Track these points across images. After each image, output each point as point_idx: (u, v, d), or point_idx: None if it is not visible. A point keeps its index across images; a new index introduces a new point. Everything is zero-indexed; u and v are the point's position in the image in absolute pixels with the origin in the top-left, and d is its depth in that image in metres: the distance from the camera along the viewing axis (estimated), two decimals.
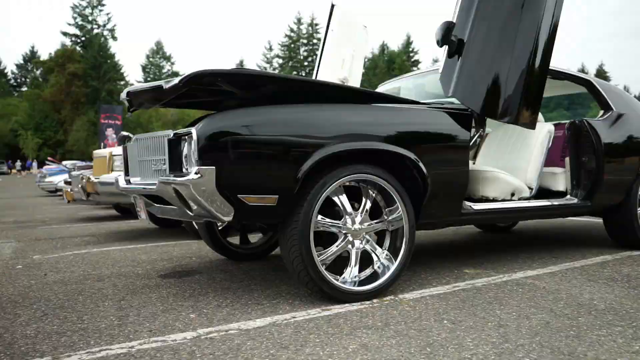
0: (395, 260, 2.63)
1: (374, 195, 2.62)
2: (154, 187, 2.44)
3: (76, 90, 49.29)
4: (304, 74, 72.09)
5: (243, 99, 2.81)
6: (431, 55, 76.25)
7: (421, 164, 2.63)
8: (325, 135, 2.38)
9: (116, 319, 2.33)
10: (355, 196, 2.61)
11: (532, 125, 2.95)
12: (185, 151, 2.33)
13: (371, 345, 1.89)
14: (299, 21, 69.12)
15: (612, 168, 3.46)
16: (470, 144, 2.85)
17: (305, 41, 70.89)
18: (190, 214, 2.31)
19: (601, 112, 3.73)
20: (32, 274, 3.46)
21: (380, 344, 1.90)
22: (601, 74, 67.96)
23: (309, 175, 2.35)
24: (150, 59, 64.62)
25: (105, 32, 55.91)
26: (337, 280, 2.48)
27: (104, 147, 13.62)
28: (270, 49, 68.83)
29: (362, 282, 2.57)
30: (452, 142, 2.78)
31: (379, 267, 2.63)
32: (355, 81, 4.53)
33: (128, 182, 2.83)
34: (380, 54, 74.03)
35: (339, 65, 4.32)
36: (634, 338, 1.92)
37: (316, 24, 69.82)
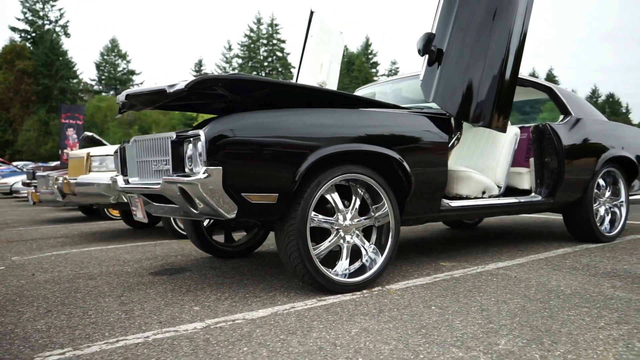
0: (382, 254, 2.83)
1: (362, 193, 2.81)
2: (157, 186, 2.55)
3: (26, 88, 47.36)
4: (264, 74, 71.86)
5: (232, 102, 2.96)
6: (390, 57, 77.39)
7: (405, 164, 2.84)
8: (321, 137, 2.55)
9: (122, 313, 2.43)
10: (343, 195, 2.80)
11: (503, 128, 3.22)
12: (189, 152, 2.45)
13: (371, 329, 2.08)
14: (258, 21, 68.73)
15: (572, 168, 3.78)
16: (449, 145, 3.09)
17: (265, 41, 70.51)
18: (195, 212, 2.44)
19: (561, 116, 4.06)
20: (18, 274, 3.47)
21: (379, 328, 2.10)
22: (551, 78, 70.90)
23: (306, 174, 2.52)
24: (105, 57, 62.89)
25: (58, 29, 54.00)
26: (331, 272, 2.66)
27: (66, 148, 13.30)
28: (230, 48, 68.06)
29: (352, 275, 2.76)
30: (433, 144, 3.01)
31: (367, 261, 2.83)
32: (332, 84, 4.72)
33: (127, 182, 2.91)
34: None
35: (318, 70, 4.50)
36: (599, 317, 2.19)
37: (276, 25, 69.62)
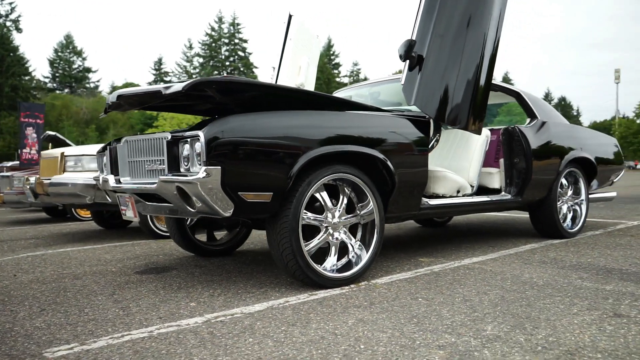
0: (368, 250, 2.97)
1: (348, 192, 2.94)
2: (152, 185, 2.60)
3: None
4: (225, 74, 71.21)
5: (218, 103, 3.03)
6: (351, 59, 77.84)
7: (389, 164, 2.98)
8: (313, 138, 2.66)
9: (119, 310, 2.47)
10: (330, 194, 2.91)
11: (478, 131, 3.41)
12: (185, 152, 2.51)
13: (367, 320, 2.21)
14: (220, 20, 68.08)
15: (538, 168, 4.03)
16: (429, 147, 3.26)
17: (226, 41, 69.89)
18: (192, 210, 2.50)
19: (528, 120, 4.31)
20: None
21: (373, 318, 2.22)
22: (507, 80, 73.24)
23: (298, 174, 2.63)
24: (60, 54, 60.95)
25: (9, 23, 51.86)
26: (320, 268, 2.77)
27: (25, 148, 12.87)
28: (191, 47, 67.21)
29: (340, 270, 2.88)
30: (415, 145, 3.16)
31: (353, 257, 2.96)
32: (310, 86, 4.84)
33: (118, 181, 2.94)
34: None
35: (297, 72, 4.61)
36: (571, 304, 2.38)
37: (238, 24, 69.18)
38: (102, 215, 6.16)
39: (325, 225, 2.83)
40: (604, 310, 2.27)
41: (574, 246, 4.00)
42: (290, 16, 4.57)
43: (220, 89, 2.67)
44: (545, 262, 3.41)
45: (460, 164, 4.01)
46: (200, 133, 2.35)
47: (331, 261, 2.87)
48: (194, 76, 67.26)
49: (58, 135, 9.70)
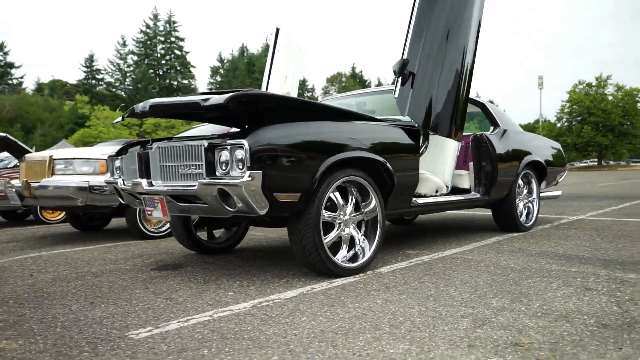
0: (372, 243, 3.38)
1: (355, 192, 3.34)
2: (190, 188, 2.88)
3: None
4: (161, 73, 69.40)
5: (229, 112, 3.35)
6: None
7: (390, 167, 3.42)
8: (333, 145, 3.05)
9: (165, 300, 2.74)
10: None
11: (459, 138, 3.93)
12: (222, 158, 2.82)
13: (392, 300, 2.62)
14: (155, 17, 66.33)
15: (502, 171, 4.61)
16: (420, 152, 3.72)
17: (162, 39, 68.18)
18: (230, 209, 2.81)
19: (491, 127, 4.89)
20: (8, 275, 3.54)
21: (397, 298, 2.64)
22: None
23: (321, 177, 3.00)
24: None
25: None
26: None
27: None
28: (124, 44, 64.97)
29: (349, 261, 3.28)
30: (408, 151, 3.62)
31: (359, 249, 3.36)
32: (293, 94, 5.20)
33: (150, 184, 3.17)
34: (240, 57, 74.56)
35: (283, 81, 4.96)
36: (549, 282, 2.91)
37: (174, 22, 67.72)
38: (79, 218, 6.21)
39: (338, 222, 3.22)
40: (576, 286, 2.81)
41: (532, 238, 4.61)
42: (277, 29, 4.91)
43: (250, 101, 2.99)
44: (514, 251, 3.97)
45: (437, 167, 4.52)
46: (245, 141, 2.67)
47: (342, 253, 3.26)
48: (128, 75, 65.20)
49: (9, 137, 9.40)
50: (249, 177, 2.66)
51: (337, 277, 3.15)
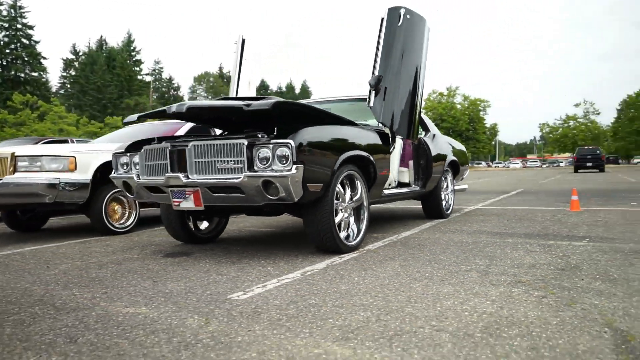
0: (361, 225, 4.12)
1: (348, 184, 4.06)
2: (234, 180, 3.36)
3: None
4: (4, 64, 62.33)
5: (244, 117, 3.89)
6: (154, 56, 75.15)
7: (375, 163, 4.19)
8: (345, 144, 3.75)
9: (216, 276, 3.19)
10: None
11: (415, 140, 4.84)
12: (262, 154, 3.34)
13: (403, 265, 3.38)
14: None
15: (435, 168, 5.64)
16: (390, 151, 4.55)
17: (6, 25, 61.19)
18: (272, 198, 3.35)
19: (424, 132, 5.91)
20: (15, 269, 3.64)
21: (406, 264, 3.41)
22: None
23: (336, 170, 3.67)
24: None
25: None
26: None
27: None
28: None
29: (346, 240, 3.98)
30: (383, 151, 4.42)
31: (351, 231, 4.08)
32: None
33: (187, 177, 3.54)
34: (98, 50, 69.72)
35: (247, 87, 5.48)
36: (503, 248, 3.88)
37: (21, 7, 61.20)
38: (16, 218, 6.03)
39: (341, 208, 3.90)
40: (523, 250, 3.83)
41: (458, 222, 5.71)
42: (243, 40, 5.42)
43: (286, 107, 3.55)
44: (454, 231, 4.98)
45: None
46: (291, 140, 3.24)
47: (343, 234, 3.95)
48: None
49: None
50: (295, 169, 3.24)
51: (342, 253, 3.82)
